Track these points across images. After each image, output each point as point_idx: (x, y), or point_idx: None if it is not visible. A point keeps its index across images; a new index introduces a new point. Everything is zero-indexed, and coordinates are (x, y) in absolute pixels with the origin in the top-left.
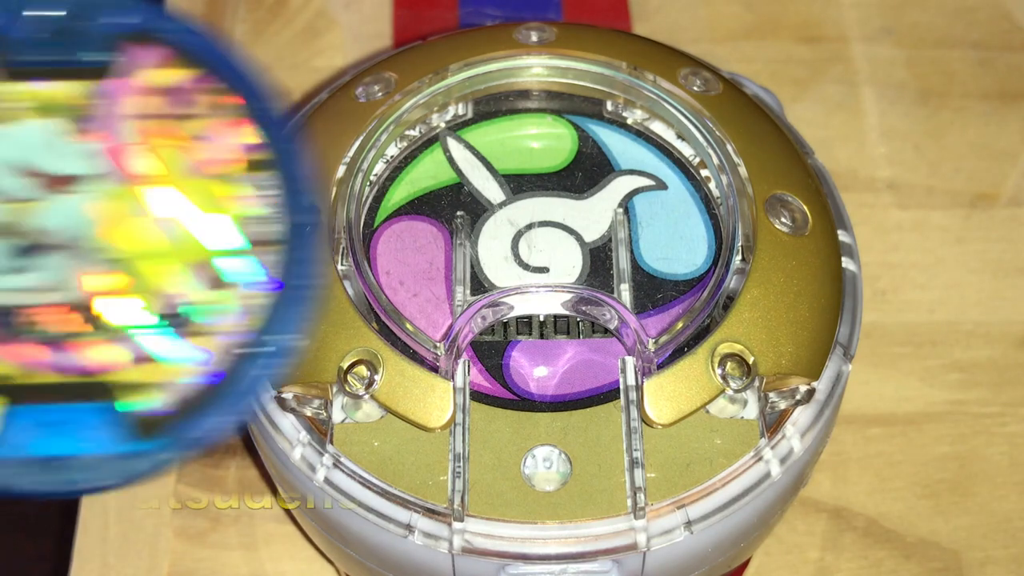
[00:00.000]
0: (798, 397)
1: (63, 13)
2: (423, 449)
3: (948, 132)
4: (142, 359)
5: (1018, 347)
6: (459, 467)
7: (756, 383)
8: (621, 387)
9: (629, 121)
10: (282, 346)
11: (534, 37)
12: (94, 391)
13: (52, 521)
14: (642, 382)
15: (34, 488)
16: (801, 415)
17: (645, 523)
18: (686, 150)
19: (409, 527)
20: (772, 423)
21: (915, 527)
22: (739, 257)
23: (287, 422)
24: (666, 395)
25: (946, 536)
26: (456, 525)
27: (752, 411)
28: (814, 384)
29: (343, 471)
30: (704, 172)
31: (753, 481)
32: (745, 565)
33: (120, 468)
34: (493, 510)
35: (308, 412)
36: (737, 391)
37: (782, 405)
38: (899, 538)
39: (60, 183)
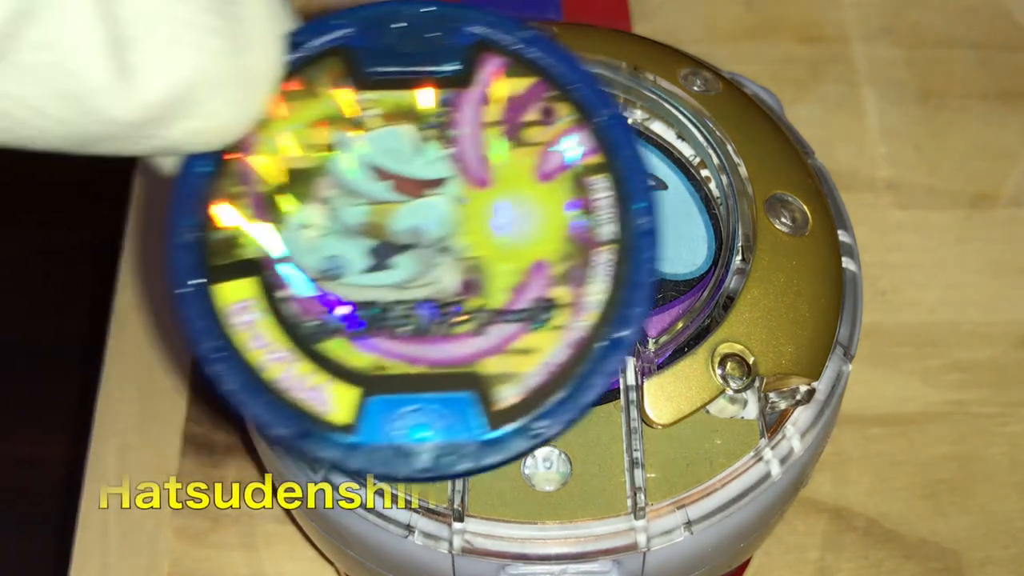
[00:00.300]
0: (798, 397)
1: (408, 25)
2: None
3: (948, 132)
4: (495, 352)
5: (1018, 347)
6: None
7: (756, 383)
8: (621, 387)
9: (629, 121)
10: (625, 341)
11: None
12: (450, 382)
13: (52, 521)
14: (642, 382)
15: (388, 474)
16: (801, 415)
17: (645, 523)
18: (686, 150)
19: (409, 527)
20: (772, 423)
21: (915, 527)
22: (739, 257)
23: None
24: (666, 395)
25: (946, 536)
26: (456, 525)
27: (752, 411)
28: (814, 384)
29: (343, 471)
30: (704, 172)
31: (753, 481)
32: (745, 565)
33: (473, 456)
34: (493, 510)
35: None
36: (737, 391)
37: (782, 405)
38: (899, 538)
39: (415, 187)
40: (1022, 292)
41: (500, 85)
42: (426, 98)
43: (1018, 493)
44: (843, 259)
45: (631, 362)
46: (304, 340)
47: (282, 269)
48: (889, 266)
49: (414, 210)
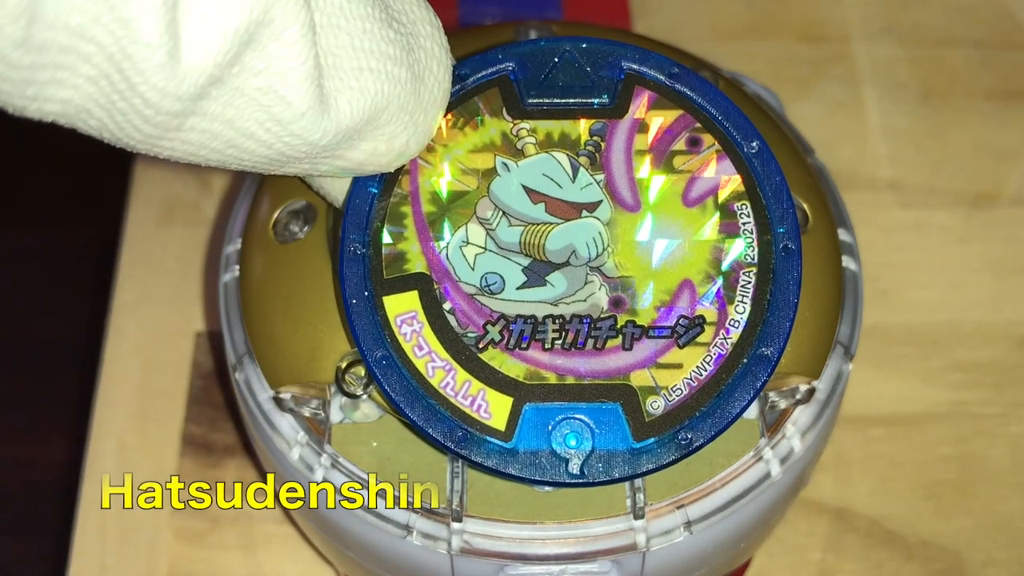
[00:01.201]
0: (798, 396)
1: (564, 60)
2: (422, 449)
3: (950, 131)
4: (643, 366)
5: (1020, 347)
6: (457, 467)
7: None
8: None
9: None
10: (769, 358)
11: (534, 36)
12: (600, 393)
13: (51, 522)
14: None
15: (541, 479)
16: (801, 415)
17: (645, 523)
18: None
19: (408, 527)
20: (772, 423)
21: (917, 528)
22: None
23: (285, 423)
24: None
25: (948, 537)
26: (455, 525)
27: (752, 411)
28: (814, 383)
29: (341, 471)
30: None
31: (753, 481)
32: (746, 566)
33: (623, 464)
34: (492, 510)
35: (306, 413)
36: None
37: (782, 405)
38: (901, 539)
39: (568, 209)
40: None
41: (649, 116)
42: (580, 128)
43: (1020, 494)
44: (844, 258)
45: None
46: (464, 350)
47: (444, 284)
48: (890, 266)
49: (567, 231)
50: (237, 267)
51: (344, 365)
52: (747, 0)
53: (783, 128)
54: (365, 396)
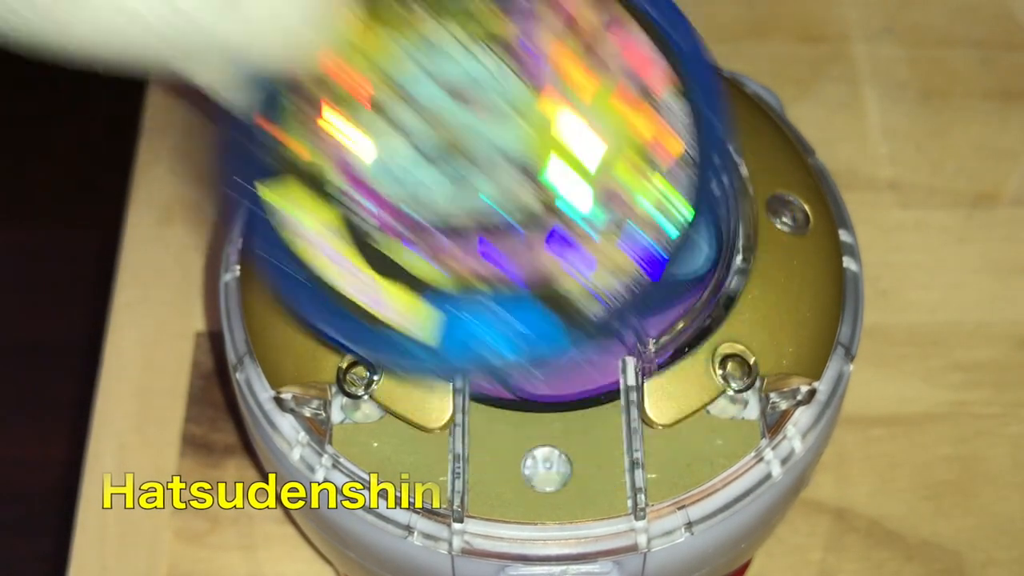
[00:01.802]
0: (799, 397)
1: None
2: (422, 450)
3: (950, 132)
4: (573, 268)
5: (1020, 347)
6: (459, 468)
7: (757, 383)
8: (621, 387)
9: None
10: (694, 261)
11: None
12: (530, 297)
13: (51, 522)
14: (642, 382)
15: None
16: (802, 415)
17: (646, 524)
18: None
19: (408, 528)
20: (773, 423)
21: (917, 528)
22: (740, 257)
23: (286, 423)
24: (666, 395)
25: (948, 538)
26: (456, 526)
27: (753, 411)
28: (815, 384)
29: (342, 472)
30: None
31: (754, 482)
32: (747, 566)
33: (555, 367)
34: (493, 511)
35: (307, 413)
36: (738, 391)
37: (783, 405)
38: (901, 539)
39: (495, 108)
40: None
41: (580, 10)
42: (500, 20)
43: (1020, 494)
44: (844, 259)
45: (631, 362)
46: (389, 261)
47: (367, 195)
48: (890, 266)
49: (496, 131)
50: (238, 267)
51: (345, 365)
52: (747, 0)
53: (784, 128)
54: (366, 396)
